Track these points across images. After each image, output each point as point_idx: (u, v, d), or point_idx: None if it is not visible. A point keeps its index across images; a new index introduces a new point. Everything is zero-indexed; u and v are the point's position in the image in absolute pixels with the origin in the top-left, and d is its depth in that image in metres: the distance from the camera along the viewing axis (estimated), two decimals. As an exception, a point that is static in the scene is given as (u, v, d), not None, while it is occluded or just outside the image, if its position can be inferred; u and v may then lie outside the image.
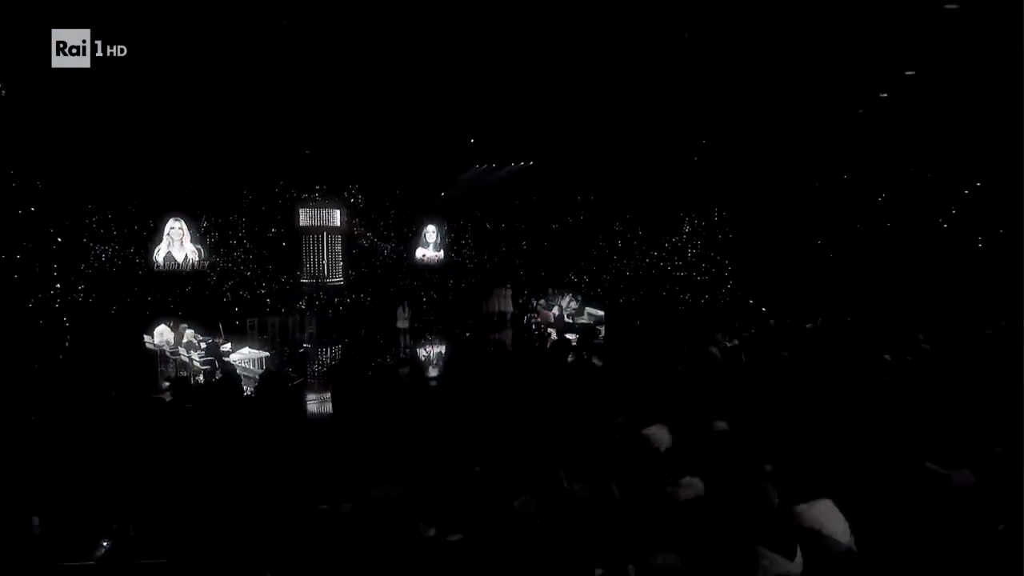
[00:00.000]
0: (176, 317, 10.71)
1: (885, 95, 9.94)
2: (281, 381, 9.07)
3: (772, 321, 11.35)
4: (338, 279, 16.94)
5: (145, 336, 10.67)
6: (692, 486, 4.06)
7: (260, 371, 9.70)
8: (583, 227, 17.96)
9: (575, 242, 17.68)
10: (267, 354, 9.99)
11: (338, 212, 16.85)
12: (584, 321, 14.02)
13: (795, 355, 8.92)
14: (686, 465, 4.12)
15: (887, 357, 7.85)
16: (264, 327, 13.42)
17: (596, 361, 12.25)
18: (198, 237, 14.58)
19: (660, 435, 5.25)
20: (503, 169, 17.38)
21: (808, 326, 10.85)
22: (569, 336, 10.32)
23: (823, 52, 8.54)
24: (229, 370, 7.51)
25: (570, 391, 8.63)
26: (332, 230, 16.90)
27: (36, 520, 4.63)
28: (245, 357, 9.73)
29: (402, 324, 13.36)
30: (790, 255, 13.35)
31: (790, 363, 8.39)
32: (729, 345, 10.83)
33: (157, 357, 10.30)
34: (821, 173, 12.41)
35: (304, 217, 16.43)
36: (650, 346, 11.78)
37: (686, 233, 16.23)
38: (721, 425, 5.70)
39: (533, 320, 14.55)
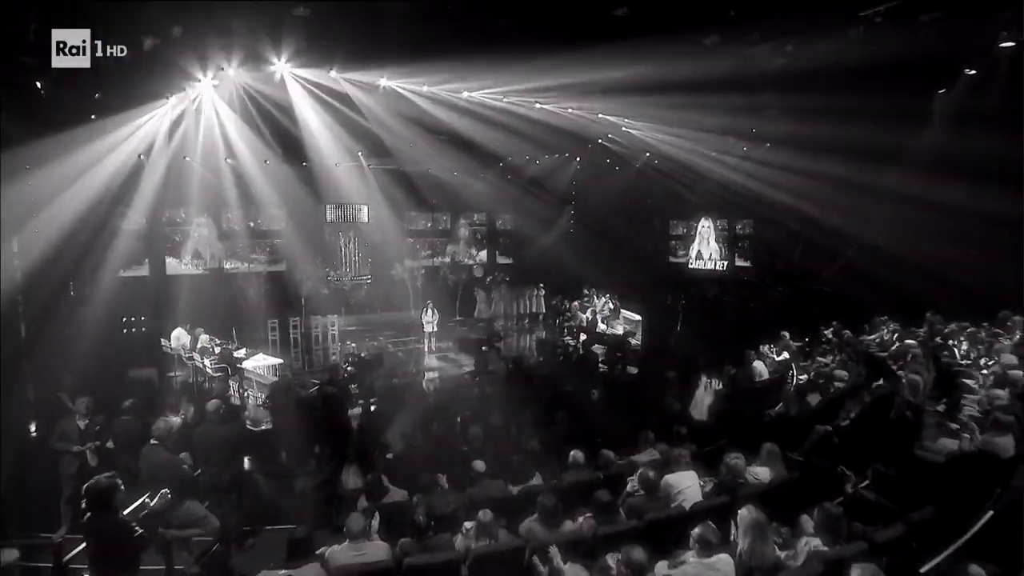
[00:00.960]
0: (193, 320, 10.67)
1: (972, 72, 8.70)
2: (293, 390, 8.90)
3: (828, 331, 10.30)
4: (366, 276, 16.75)
5: (162, 340, 10.69)
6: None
7: (273, 378, 9.54)
8: (622, 224, 17.12)
9: (613, 240, 16.85)
10: (280, 361, 9.79)
11: (365, 207, 16.62)
12: (616, 329, 13.29)
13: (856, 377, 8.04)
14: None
15: (968, 382, 6.88)
16: (286, 329, 13.31)
17: (631, 369, 11.62)
18: (225, 235, 14.65)
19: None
20: (537, 160, 16.77)
21: (871, 339, 9.78)
22: (597, 349, 9.66)
23: (897, 19, 7.44)
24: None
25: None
26: (360, 226, 16.72)
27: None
28: (258, 364, 9.56)
29: (429, 328, 12.99)
30: (853, 254, 12.13)
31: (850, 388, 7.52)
32: (778, 359, 9.95)
33: (174, 361, 10.29)
34: (890, 160, 11.13)
35: (331, 212, 16.28)
36: (688, 358, 11.04)
37: (737, 230, 15.15)
38: (760, 475, 5.00)
39: (565, 325, 13.94)
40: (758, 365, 9.01)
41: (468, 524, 4.06)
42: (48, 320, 11.30)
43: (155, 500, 3.68)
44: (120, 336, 12.54)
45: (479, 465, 4.99)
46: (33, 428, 8.84)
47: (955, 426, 5.47)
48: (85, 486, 3.23)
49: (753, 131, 12.07)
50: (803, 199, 12.17)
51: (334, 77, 9.17)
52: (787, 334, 10.34)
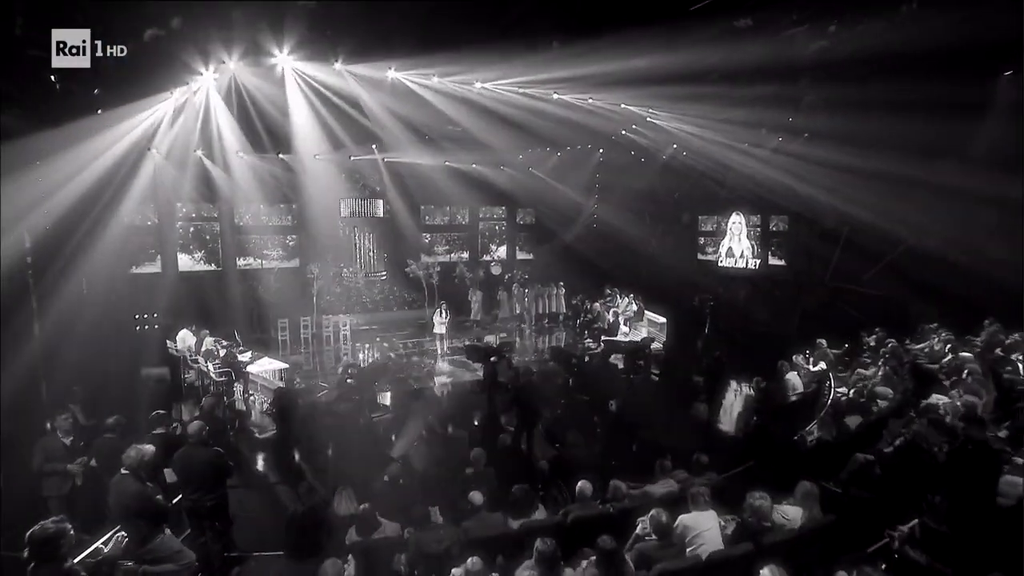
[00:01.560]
0: (201, 320, 10.59)
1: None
2: (296, 397, 8.72)
3: (871, 339, 9.60)
4: (382, 272, 16.56)
5: (168, 342, 10.64)
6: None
7: (279, 383, 9.40)
8: (648, 218, 16.50)
9: (638, 235, 16.25)
10: (286, 365, 9.62)
11: (380, 201, 16.39)
12: (640, 332, 12.75)
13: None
14: None
15: (1031, 405, 6.23)
16: (296, 329, 13.20)
17: (654, 373, 11.14)
18: (237, 230, 14.60)
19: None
20: (558, 152, 16.29)
21: (920, 348, 9.06)
22: (615, 359, 9.21)
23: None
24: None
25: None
26: (375, 221, 16.50)
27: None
28: (264, 368, 9.41)
29: (439, 329, 12.70)
30: (899, 254, 11.30)
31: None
32: (813, 369, 9.32)
33: (180, 363, 10.23)
34: (943, 152, 10.29)
35: (346, 207, 16.09)
36: (716, 363, 10.49)
37: (771, 227, 14.36)
38: (789, 515, 4.51)
39: (586, 328, 13.46)
40: (792, 377, 8.43)
41: (457, 572, 3.72)
42: (61, 318, 11.33)
43: (110, 546, 3.44)
44: (133, 334, 12.59)
45: (476, 497, 4.64)
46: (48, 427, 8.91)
47: (1021, 460, 4.88)
48: (29, 532, 3.00)
49: (790, 120, 11.35)
50: (844, 195, 11.42)
51: (339, 70, 8.87)
52: (824, 342, 9.70)
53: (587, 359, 9.05)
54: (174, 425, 5.60)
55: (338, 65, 8.75)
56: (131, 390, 10.09)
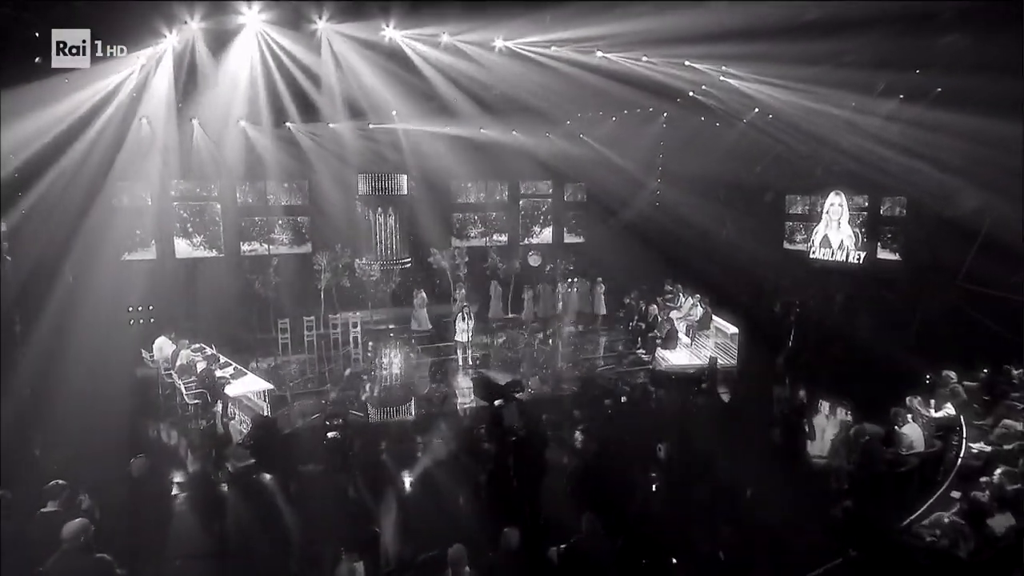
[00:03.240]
0: (186, 324, 10.14)
1: None
2: (276, 430, 8.09)
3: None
4: (406, 260, 15.77)
5: (144, 352, 10.25)
6: None
7: (263, 403, 8.83)
8: (722, 198, 14.89)
9: (709, 219, 14.71)
10: (270, 386, 9.00)
11: (404, 177, 15.48)
12: (705, 342, 11.37)
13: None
14: None
15: None
16: (299, 329, 12.63)
17: (723, 395, 9.86)
18: (241, 212, 14.20)
19: None
20: (613, 116, 14.84)
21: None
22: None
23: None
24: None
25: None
26: (399, 200, 15.65)
27: None
28: (246, 389, 8.82)
29: (462, 336, 11.82)
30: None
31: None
32: (936, 415, 7.72)
33: (157, 377, 9.81)
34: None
35: (364, 183, 15.29)
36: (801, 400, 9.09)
37: (881, 211, 12.45)
38: None
39: (639, 334, 12.21)
40: (910, 432, 6.89)
41: None
42: (45, 312, 11.16)
43: None
44: (126, 330, 12.35)
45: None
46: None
47: None
48: None
49: (916, 72, 9.50)
50: (984, 174, 9.52)
51: (323, 28, 7.87)
52: (953, 375, 8.01)
53: (624, 399, 7.86)
54: (80, 499, 4.89)
55: (322, 23, 7.76)
56: (122, 399, 9.84)
